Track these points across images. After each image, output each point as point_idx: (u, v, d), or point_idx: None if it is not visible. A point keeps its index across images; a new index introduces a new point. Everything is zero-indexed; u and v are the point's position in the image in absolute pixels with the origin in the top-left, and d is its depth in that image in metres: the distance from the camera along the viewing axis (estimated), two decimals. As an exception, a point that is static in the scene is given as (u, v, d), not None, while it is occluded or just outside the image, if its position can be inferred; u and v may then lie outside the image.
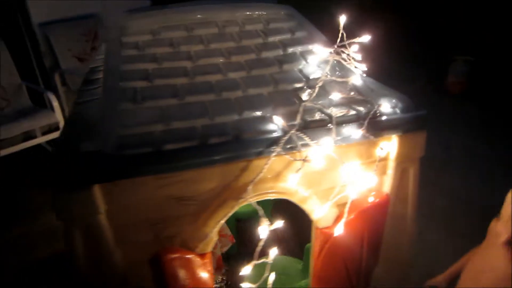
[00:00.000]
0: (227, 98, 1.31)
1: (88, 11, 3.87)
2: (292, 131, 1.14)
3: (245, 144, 1.13)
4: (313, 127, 1.19)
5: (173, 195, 1.14)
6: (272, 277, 1.32)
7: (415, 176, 1.38)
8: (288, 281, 1.77)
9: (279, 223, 1.24)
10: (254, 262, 1.18)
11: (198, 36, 1.58)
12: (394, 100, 1.31)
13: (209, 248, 1.19)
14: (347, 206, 1.24)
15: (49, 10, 3.63)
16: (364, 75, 1.41)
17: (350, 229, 1.27)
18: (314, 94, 1.26)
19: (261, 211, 1.14)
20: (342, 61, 1.40)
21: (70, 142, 1.09)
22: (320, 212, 1.23)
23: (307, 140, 1.15)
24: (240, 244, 2.12)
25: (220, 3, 1.88)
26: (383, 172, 1.35)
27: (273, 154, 1.13)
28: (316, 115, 1.22)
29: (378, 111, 1.26)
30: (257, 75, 1.43)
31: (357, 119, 1.23)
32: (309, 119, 1.20)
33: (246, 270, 1.19)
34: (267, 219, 1.15)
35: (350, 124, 1.22)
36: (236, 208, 1.17)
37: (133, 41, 1.52)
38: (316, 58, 1.45)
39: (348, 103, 1.29)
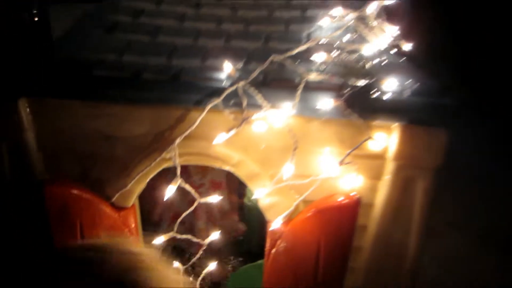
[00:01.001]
0: (202, 45, 1.13)
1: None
2: (241, 83, 0.91)
3: (181, 87, 0.94)
4: (274, 86, 0.93)
5: (102, 131, 1.01)
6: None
7: (425, 193, 0.99)
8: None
9: (216, 198, 1.02)
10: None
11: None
12: (410, 80, 0.96)
13: (128, 203, 1.03)
14: (298, 200, 0.94)
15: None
16: (389, 49, 1.08)
17: (303, 231, 0.96)
18: (296, 51, 0.99)
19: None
20: (361, 29, 1.09)
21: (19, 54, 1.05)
22: (261, 193, 0.95)
23: (258, 98, 0.90)
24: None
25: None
26: (376, 175, 1.00)
27: (210, 105, 0.91)
28: (285, 73, 0.95)
29: (374, 86, 0.93)
30: (253, 31, 1.21)
31: (340, 90, 0.93)
32: (272, 76, 0.95)
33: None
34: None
35: (329, 94, 0.92)
36: (164, 165, 0.98)
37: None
38: (331, 21, 1.16)
39: (341, 72, 0.98)
